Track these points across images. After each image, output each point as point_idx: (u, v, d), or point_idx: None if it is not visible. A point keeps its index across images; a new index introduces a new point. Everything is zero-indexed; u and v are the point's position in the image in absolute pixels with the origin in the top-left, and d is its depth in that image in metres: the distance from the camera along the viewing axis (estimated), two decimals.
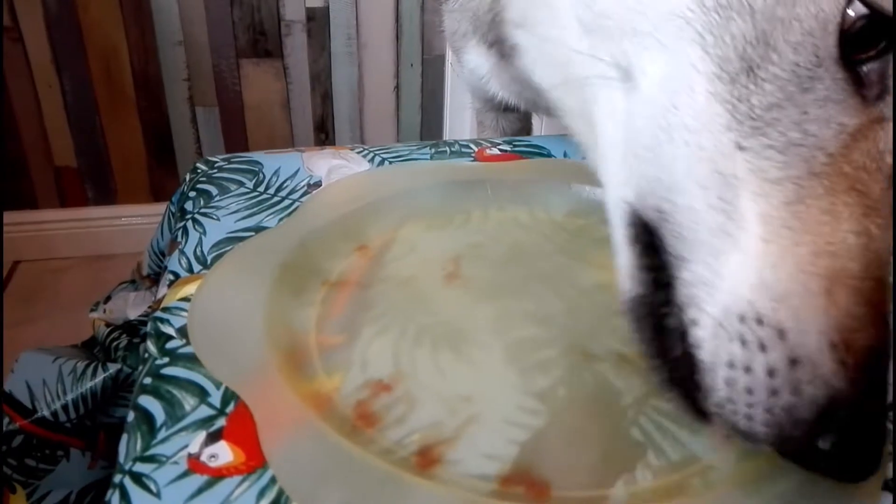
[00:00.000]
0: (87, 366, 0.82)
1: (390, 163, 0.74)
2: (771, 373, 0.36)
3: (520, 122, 1.04)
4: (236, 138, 1.64)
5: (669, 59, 0.42)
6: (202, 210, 0.66)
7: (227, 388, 0.45)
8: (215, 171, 0.73)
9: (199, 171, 0.74)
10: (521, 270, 0.57)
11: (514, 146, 0.79)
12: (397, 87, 1.66)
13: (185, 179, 0.75)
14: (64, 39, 1.50)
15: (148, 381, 0.48)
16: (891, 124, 0.38)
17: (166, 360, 0.49)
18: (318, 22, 1.56)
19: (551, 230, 0.63)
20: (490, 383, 0.46)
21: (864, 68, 0.37)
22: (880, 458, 0.35)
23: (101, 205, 1.67)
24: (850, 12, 0.36)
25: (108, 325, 0.90)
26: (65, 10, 1.47)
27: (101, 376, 0.80)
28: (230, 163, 0.74)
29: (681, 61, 0.41)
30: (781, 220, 0.38)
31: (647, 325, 0.43)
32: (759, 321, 0.37)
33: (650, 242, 0.43)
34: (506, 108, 0.97)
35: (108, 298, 0.92)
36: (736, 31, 0.39)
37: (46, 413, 0.78)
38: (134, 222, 1.66)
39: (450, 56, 1.64)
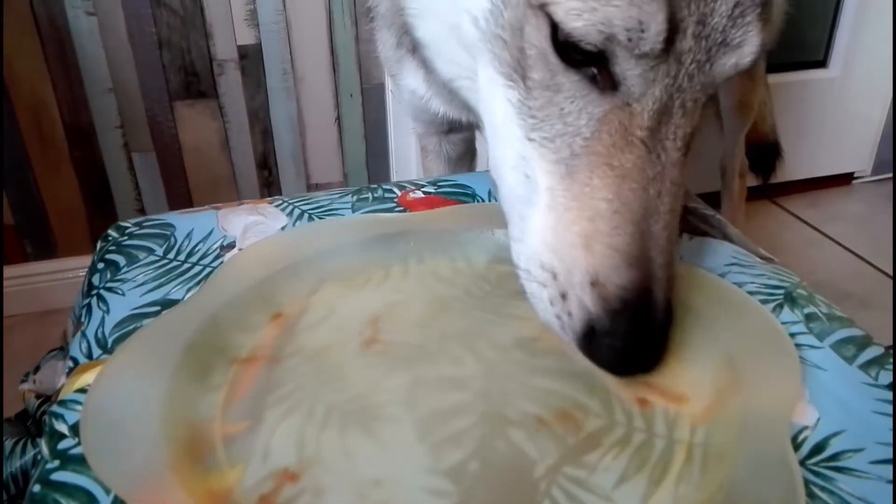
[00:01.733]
0: (16, 443, 0.78)
1: (310, 215, 0.72)
2: (552, 302, 0.49)
3: (464, 143, 1.02)
4: (176, 182, 1.60)
5: (482, 70, 0.54)
6: (108, 284, 0.63)
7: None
8: (125, 238, 0.70)
9: (109, 238, 0.71)
10: (439, 329, 0.55)
11: (438, 187, 0.77)
12: (338, 119, 1.64)
13: (96, 248, 0.72)
14: None
15: (37, 489, 0.45)
16: (635, 106, 0.47)
17: (57, 462, 0.46)
18: (251, 59, 1.53)
19: (472, 282, 0.61)
20: (400, 464, 0.44)
21: (590, 69, 0.47)
22: (640, 362, 0.48)
23: (42, 259, 1.62)
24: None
25: (38, 396, 0.87)
26: None
27: (30, 454, 0.76)
28: (142, 227, 0.71)
29: (488, 73, 0.53)
30: (559, 192, 0.49)
31: None
32: (542, 267, 0.50)
33: None
34: (450, 130, 0.96)
35: (37, 368, 0.88)
36: (506, 54, 0.51)
37: None
38: (77, 275, 1.61)
39: (389, 83, 1.62)
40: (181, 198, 1.61)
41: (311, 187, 1.69)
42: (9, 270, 1.61)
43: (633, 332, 0.46)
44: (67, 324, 0.83)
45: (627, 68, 0.46)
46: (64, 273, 1.63)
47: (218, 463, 0.45)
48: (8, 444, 0.78)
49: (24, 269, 1.62)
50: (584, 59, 0.47)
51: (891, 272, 1.66)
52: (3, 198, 1.53)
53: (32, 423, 0.85)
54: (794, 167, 1.97)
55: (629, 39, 0.44)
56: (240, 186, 1.64)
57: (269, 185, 1.67)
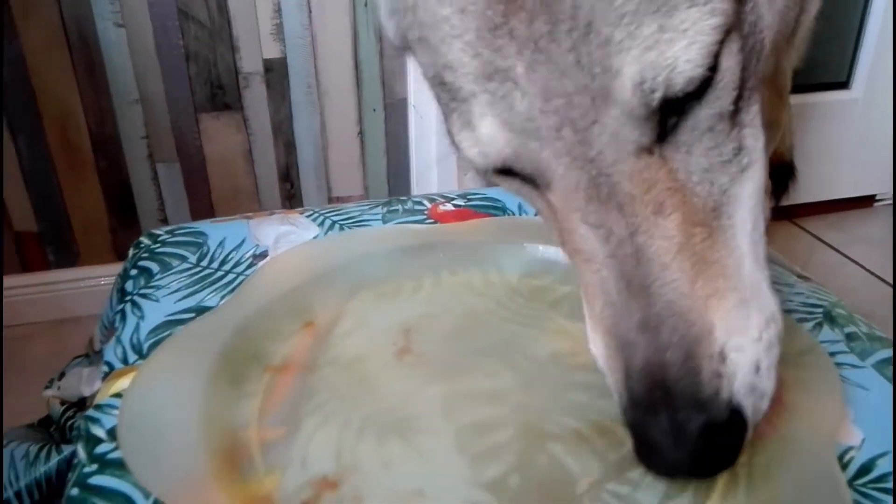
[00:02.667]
0: (41, 449, 0.78)
1: (340, 226, 0.72)
2: None
3: None
4: (199, 193, 1.61)
5: None
6: (142, 290, 0.63)
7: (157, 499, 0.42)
8: (158, 245, 0.70)
9: (142, 245, 0.71)
10: (474, 342, 0.55)
11: (468, 201, 0.77)
12: (361, 133, 1.64)
13: (128, 255, 0.72)
14: (17, 106, 1.47)
15: (75, 492, 0.45)
16: (559, 192, 0.43)
17: (94, 466, 0.46)
18: (276, 72, 1.55)
19: (505, 294, 0.60)
20: (440, 475, 0.44)
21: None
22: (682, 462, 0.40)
23: (64, 267, 1.63)
24: None
25: (62, 402, 0.87)
26: (16, 77, 1.45)
27: (54, 459, 0.76)
28: (174, 235, 0.72)
29: None
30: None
31: None
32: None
33: None
34: None
35: (62, 375, 0.88)
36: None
37: None
38: (99, 283, 1.62)
39: (411, 98, 1.63)
40: (204, 209, 1.62)
41: (333, 200, 1.70)
42: (31, 278, 1.62)
43: (647, 425, 0.40)
44: (94, 331, 0.83)
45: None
46: (85, 281, 1.64)
47: (256, 469, 0.44)
48: (33, 449, 0.78)
49: (46, 277, 1.63)
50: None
51: None
52: (3, 207, 1.54)
53: (56, 430, 0.86)
54: (816, 188, 1.96)
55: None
56: (262, 198, 1.64)
57: (291, 198, 1.67)
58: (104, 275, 1.61)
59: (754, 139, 0.45)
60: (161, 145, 1.55)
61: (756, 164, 0.45)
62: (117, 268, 1.62)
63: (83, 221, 1.59)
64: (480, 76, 0.42)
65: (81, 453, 0.47)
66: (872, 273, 1.76)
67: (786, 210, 1.91)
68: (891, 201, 2.07)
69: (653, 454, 0.40)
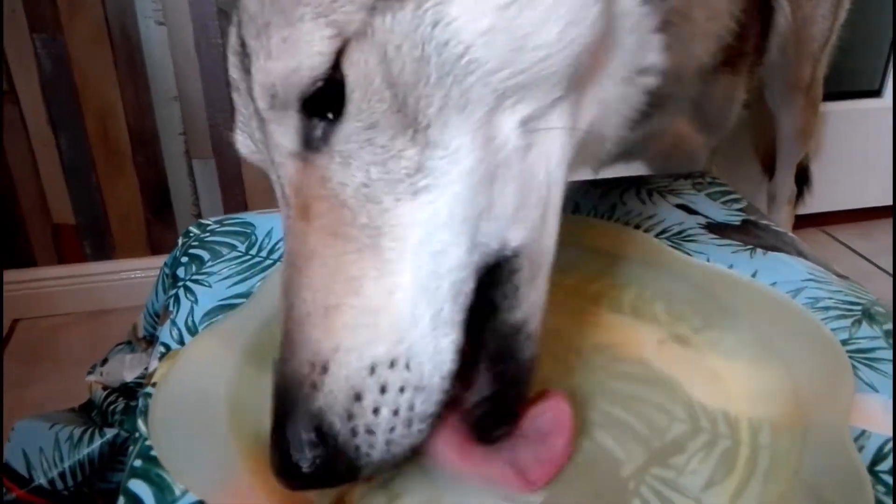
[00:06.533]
0: (84, 432, 0.81)
1: None
2: None
3: None
4: (234, 190, 1.64)
5: None
6: (194, 276, 0.65)
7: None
8: (207, 234, 0.72)
9: (191, 234, 0.74)
10: None
11: None
12: None
13: (178, 243, 0.74)
14: (59, 100, 1.51)
15: (138, 463, 0.47)
16: None
17: None
18: None
19: None
20: None
21: None
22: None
23: (100, 260, 1.67)
24: None
25: (104, 387, 0.89)
26: (60, 71, 1.49)
27: (97, 442, 0.79)
28: (223, 225, 0.74)
29: None
30: None
31: None
32: None
33: None
34: None
35: (104, 361, 0.91)
36: None
37: (43, 481, 0.76)
38: (132, 276, 1.65)
39: None
40: (238, 205, 1.65)
41: None
42: (67, 269, 1.66)
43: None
44: (138, 318, 0.85)
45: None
46: (119, 274, 1.68)
47: None
48: (76, 432, 0.80)
49: (81, 269, 1.66)
50: None
51: None
52: (5, 204, 1.58)
53: (98, 414, 0.88)
54: (846, 196, 1.95)
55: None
56: None
57: None
58: (139, 268, 1.64)
59: (449, 162, 0.40)
60: (197, 142, 1.58)
61: (441, 189, 0.41)
62: (152, 261, 1.66)
63: (120, 215, 1.63)
64: (232, 89, 0.47)
65: (143, 428, 0.49)
66: None
67: (816, 218, 1.90)
68: None
69: (270, 453, 0.40)
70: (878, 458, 0.44)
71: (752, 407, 0.48)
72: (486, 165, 0.41)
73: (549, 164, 0.43)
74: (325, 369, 0.39)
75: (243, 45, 0.43)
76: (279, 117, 0.42)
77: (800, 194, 1.67)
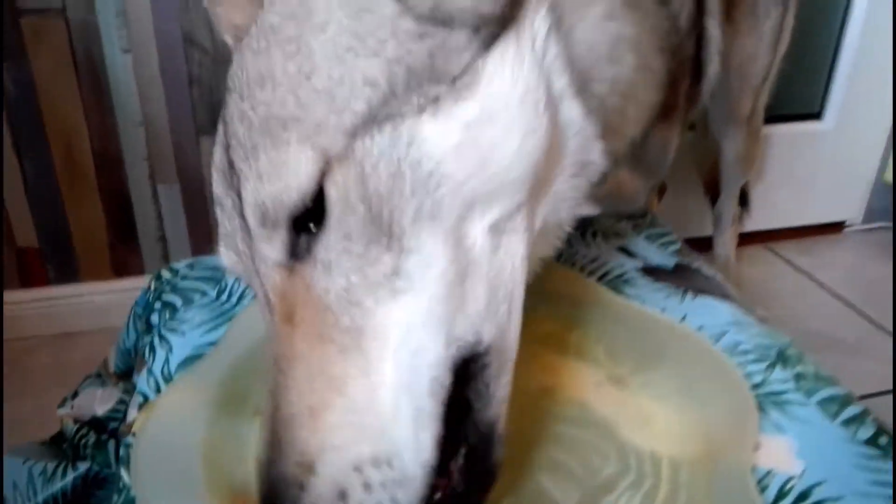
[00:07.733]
0: (57, 466, 0.83)
1: None
2: None
3: None
4: (198, 214, 1.67)
5: None
6: (168, 324, 0.69)
7: None
8: (178, 279, 0.76)
9: (162, 279, 0.77)
10: None
11: None
12: None
13: (149, 287, 0.78)
14: (24, 123, 1.52)
15: None
16: None
17: None
18: None
19: None
20: None
21: None
22: None
23: (64, 283, 1.68)
24: None
25: (75, 421, 0.92)
26: (24, 95, 1.50)
27: (70, 476, 0.81)
28: (193, 269, 0.78)
29: None
30: None
31: None
32: None
33: None
34: None
35: (75, 394, 0.93)
36: None
37: None
38: (97, 300, 1.67)
39: None
40: (202, 230, 1.67)
41: None
42: (31, 293, 1.66)
43: None
44: (109, 352, 0.88)
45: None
46: (84, 298, 1.69)
47: None
48: (49, 466, 0.83)
49: (45, 293, 1.67)
50: None
51: (879, 320, 1.73)
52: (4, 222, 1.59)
53: (69, 447, 0.91)
54: (789, 214, 2.05)
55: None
56: None
57: None
58: (103, 291, 1.66)
59: (424, 266, 0.44)
60: (162, 166, 1.61)
61: (416, 292, 0.44)
62: (116, 284, 1.67)
63: (84, 239, 1.64)
64: (216, 204, 0.50)
65: (126, 478, 0.53)
66: (839, 297, 1.85)
67: (760, 235, 2.00)
68: (859, 227, 2.16)
69: None
70: (780, 496, 0.50)
71: (673, 447, 0.54)
72: (457, 267, 0.44)
73: (515, 261, 0.47)
74: (311, 469, 0.41)
75: (231, 165, 0.46)
76: (268, 234, 0.44)
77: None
